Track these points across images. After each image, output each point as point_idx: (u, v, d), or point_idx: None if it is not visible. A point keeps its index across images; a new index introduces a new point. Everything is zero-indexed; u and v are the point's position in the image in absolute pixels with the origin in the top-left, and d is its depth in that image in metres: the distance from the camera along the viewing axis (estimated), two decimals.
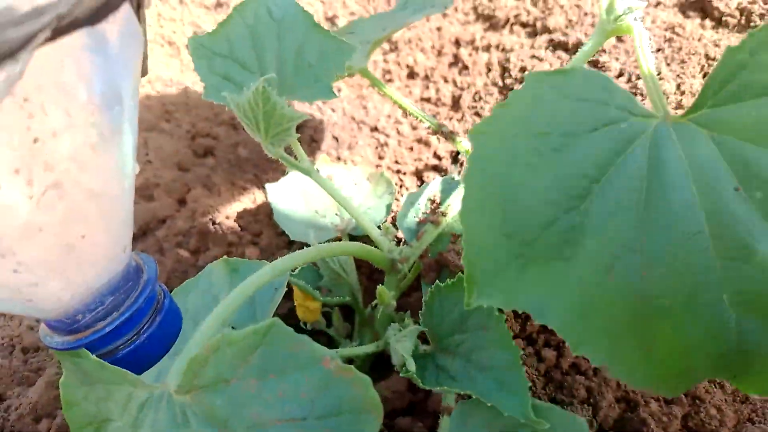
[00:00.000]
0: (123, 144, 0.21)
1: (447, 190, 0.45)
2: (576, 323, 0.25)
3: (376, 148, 0.63)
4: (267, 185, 0.49)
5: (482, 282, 0.25)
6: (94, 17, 0.19)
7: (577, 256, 0.25)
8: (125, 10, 0.21)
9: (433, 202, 0.44)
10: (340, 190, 0.38)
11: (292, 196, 0.47)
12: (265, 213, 0.51)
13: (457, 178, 0.47)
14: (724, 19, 0.70)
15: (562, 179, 0.27)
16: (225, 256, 0.36)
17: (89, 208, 0.20)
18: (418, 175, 0.59)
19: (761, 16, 0.69)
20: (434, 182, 0.45)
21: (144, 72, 0.27)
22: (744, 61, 0.27)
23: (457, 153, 0.59)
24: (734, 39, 0.67)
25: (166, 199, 0.56)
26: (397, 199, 0.53)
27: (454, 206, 0.41)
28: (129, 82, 0.21)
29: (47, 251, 0.19)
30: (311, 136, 0.65)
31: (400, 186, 0.56)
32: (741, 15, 0.70)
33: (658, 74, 0.59)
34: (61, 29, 0.17)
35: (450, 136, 0.45)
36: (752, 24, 0.69)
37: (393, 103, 0.51)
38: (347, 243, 0.40)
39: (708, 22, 0.71)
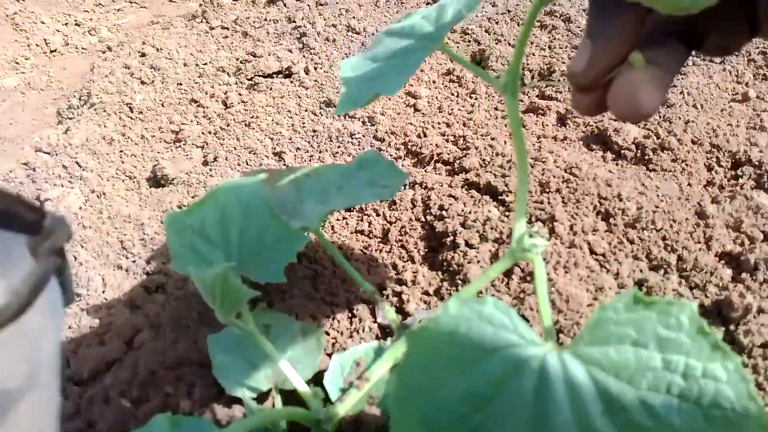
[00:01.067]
0: (40, 411, 0.27)
1: (373, 355, 0.52)
2: None
3: (312, 278, 0.70)
4: (209, 337, 0.55)
5: None
6: (18, 314, 0.25)
7: None
8: (48, 292, 0.28)
9: (358, 365, 0.51)
10: (274, 348, 0.44)
11: (231, 349, 0.53)
12: (202, 363, 0.57)
13: (383, 345, 0.54)
14: (622, 152, 0.80)
15: (471, 387, 0.35)
16: (162, 409, 0.42)
17: None
18: (350, 308, 0.66)
19: (653, 150, 0.79)
20: (361, 347, 0.53)
21: (71, 298, 0.33)
22: (610, 317, 0.35)
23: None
24: (630, 171, 0.77)
25: (115, 342, 0.61)
26: (329, 354, 0.59)
27: (377, 372, 0.48)
28: (48, 350, 0.27)
29: None
30: None
31: (334, 341, 0.62)
32: (637, 149, 0.80)
33: (553, 218, 0.68)
34: None
35: (379, 304, 0.52)
36: (646, 156, 0.79)
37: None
38: (277, 411, 0.46)
39: (609, 155, 0.81)
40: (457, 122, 0.88)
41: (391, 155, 0.84)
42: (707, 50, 0.34)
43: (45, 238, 0.29)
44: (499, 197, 0.72)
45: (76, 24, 1.53)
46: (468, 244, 0.67)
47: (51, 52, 1.41)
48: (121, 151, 0.88)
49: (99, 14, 1.59)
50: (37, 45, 1.42)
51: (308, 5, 1.19)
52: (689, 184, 0.76)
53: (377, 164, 0.61)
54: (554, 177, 0.73)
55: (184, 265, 0.45)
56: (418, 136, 0.86)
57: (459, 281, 0.64)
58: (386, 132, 0.87)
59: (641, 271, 0.65)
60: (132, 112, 0.94)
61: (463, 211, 0.71)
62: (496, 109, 0.91)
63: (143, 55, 1.07)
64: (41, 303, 0.28)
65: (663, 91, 0.31)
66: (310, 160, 0.85)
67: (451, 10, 0.42)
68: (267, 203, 0.46)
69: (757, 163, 0.77)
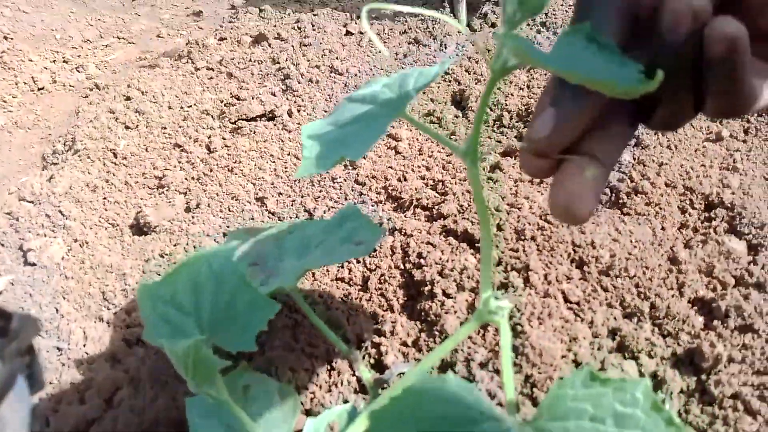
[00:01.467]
0: None
1: (347, 417, 0.52)
2: None
3: (292, 328, 0.71)
4: (187, 400, 0.55)
5: None
6: None
7: None
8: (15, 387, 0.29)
9: (332, 429, 0.52)
10: (252, 411, 0.44)
11: (208, 413, 0.53)
12: (180, 422, 0.57)
13: (360, 403, 0.55)
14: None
15: None
16: None
17: None
18: (329, 360, 0.66)
19: (627, 194, 0.81)
20: (336, 409, 0.53)
21: (40, 386, 0.34)
22: (568, 393, 0.37)
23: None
24: (604, 215, 0.79)
25: (96, 400, 0.62)
26: (307, 409, 0.59)
27: None
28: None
29: None
30: None
31: (312, 396, 0.63)
32: (611, 192, 0.82)
33: (527, 267, 0.69)
34: None
35: (354, 364, 0.53)
36: (620, 200, 0.81)
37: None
38: None
39: None
40: (437, 165, 0.89)
41: (372, 199, 0.85)
42: (653, 124, 0.35)
43: (11, 339, 0.30)
44: (476, 245, 0.73)
45: (63, 61, 1.54)
46: (445, 294, 0.68)
47: (38, 89, 1.42)
48: (105, 198, 0.89)
49: (87, 50, 1.61)
50: (24, 83, 1.43)
51: (292, 45, 1.21)
52: (663, 228, 0.77)
53: (356, 219, 0.62)
54: (529, 224, 0.74)
55: (157, 336, 0.45)
56: (399, 180, 0.87)
57: (436, 332, 0.65)
58: (367, 176, 0.89)
59: (615, 319, 0.66)
60: (116, 158, 0.95)
61: (440, 259, 0.72)
62: None
63: (128, 98, 1.09)
64: (8, 397, 0.28)
65: (598, 197, 0.32)
66: (291, 205, 0.86)
67: (412, 81, 0.44)
68: (239, 271, 0.47)
69: (729, 205, 0.79)
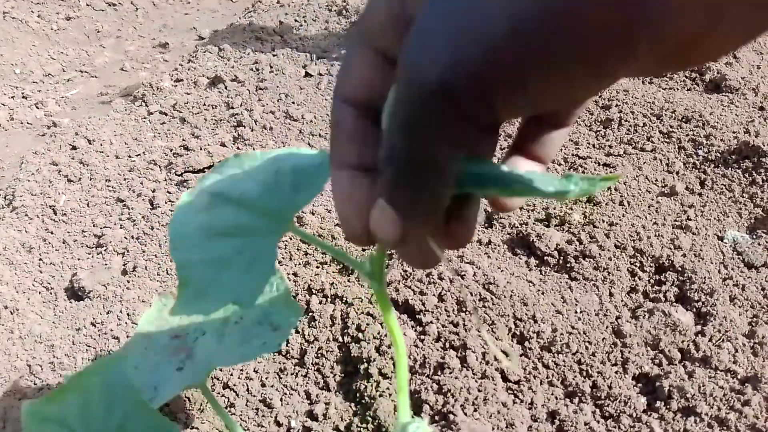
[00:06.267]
0: None
1: None
2: None
3: (226, 407, 0.68)
4: None
5: None
6: None
7: None
8: None
9: None
10: None
11: None
12: None
13: None
14: (545, 258, 0.79)
15: None
16: None
17: None
18: None
19: (575, 257, 0.79)
20: None
21: None
22: None
23: None
24: (551, 281, 0.76)
25: None
26: None
27: None
28: None
29: None
30: None
31: None
32: (559, 255, 0.80)
33: (465, 346, 0.66)
34: None
35: None
36: (568, 264, 0.79)
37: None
38: None
39: (533, 260, 0.80)
40: None
41: (316, 260, 0.82)
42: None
43: None
44: (416, 316, 0.71)
45: (23, 97, 1.51)
46: (381, 373, 0.65)
47: None
48: (40, 260, 0.86)
49: (48, 85, 1.58)
50: None
51: (248, 89, 1.18)
52: (611, 294, 0.75)
53: (277, 289, 0.58)
54: (471, 294, 0.72)
55: None
56: (346, 239, 0.84)
57: (369, 417, 0.62)
58: (314, 234, 0.86)
59: (556, 399, 0.64)
60: (55, 214, 0.92)
61: (379, 333, 0.69)
62: None
63: (74, 148, 1.06)
64: None
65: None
66: None
67: (290, 180, 0.35)
68: (134, 389, 0.44)
69: (680, 268, 0.77)
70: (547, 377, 0.65)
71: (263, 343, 0.53)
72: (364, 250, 0.81)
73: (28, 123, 1.41)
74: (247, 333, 0.55)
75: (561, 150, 0.98)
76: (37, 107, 1.48)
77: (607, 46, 0.18)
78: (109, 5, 1.90)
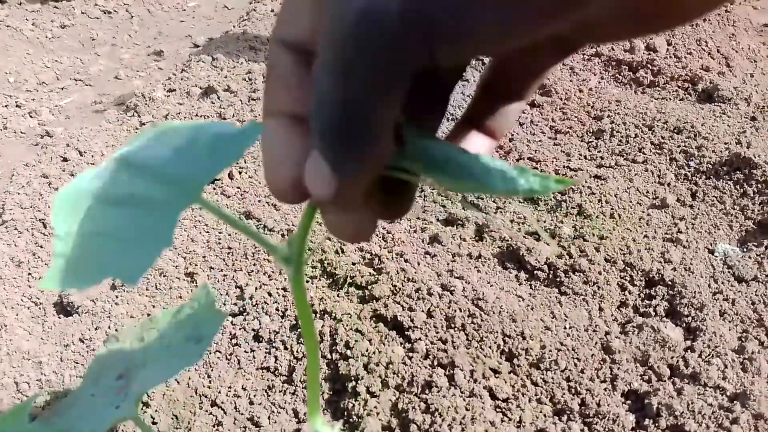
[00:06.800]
0: None
1: None
2: None
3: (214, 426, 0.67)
4: None
5: None
6: None
7: None
8: None
9: None
10: None
11: None
12: None
13: None
14: (535, 272, 0.79)
15: None
16: None
17: None
18: None
19: (565, 272, 0.78)
20: None
21: None
22: None
23: None
24: (540, 296, 0.76)
25: None
26: None
27: None
28: None
29: None
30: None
31: None
32: (549, 269, 0.79)
33: (453, 364, 0.66)
34: None
35: None
36: (558, 278, 0.78)
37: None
38: None
39: (523, 275, 0.80)
40: (376, 236, 0.86)
41: (306, 275, 0.82)
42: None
43: None
44: (405, 333, 0.71)
45: (17, 105, 1.51)
46: (369, 392, 0.65)
47: None
48: (29, 274, 0.86)
49: (42, 94, 1.58)
50: None
51: (241, 99, 1.18)
52: (600, 309, 0.75)
53: (203, 300, 0.53)
54: (460, 310, 0.71)
55: None
56: (336, 253, 0.84)
57: None
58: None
59: (545, 417, 0.64)
60: (45, 228, 0.91)
61: (367, 351, 0.69)
62: (417, 218, 0.90)
63: (65, 160, 1.06)
64: None
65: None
66: (223, 280, 0.83)
67: (206, 152, 0.31)
68: None
69: (669, 282, 0.77)
70: (536, 395, 0.65)
71: (185, 358, 0.49)
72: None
73: (21, 132, 1.41)
74: (173, 350, 0.53)
75: (552, 161, 0.98)
76: (31, 116, 1.47)
77: None
78: (104, 13, 1.90)
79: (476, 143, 0.26)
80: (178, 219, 0.27)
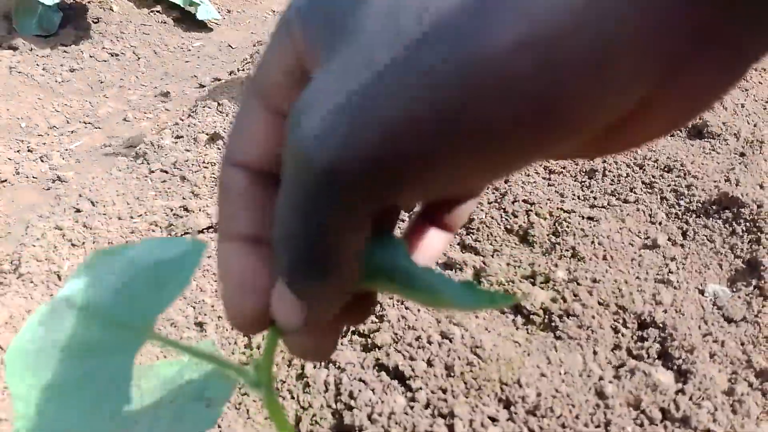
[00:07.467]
0: None
1: None
2: None
3: None
4: None
5: None
6: None
7: None
8: None
9: None
10: None
11: None
12: None
13: None
14: (531, 317, 0.82)
15: None
16: None
17: None
18: None
19: (560, 316, 0.81)
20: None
21: None
22: None
23: None
24: (536, 341, 0.79)
25: None
26: None
27: None
28: None
29: None
30: None
31: None
32: (544, 314, 0.82)
33: (452, 414, 0.69)
34: None
35: None
36: (553, 323, 0.81)
37: None
38: None
39: (519, 319, 0.83)
40: None
41: None
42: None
43: None
44: (407, 382, 0.74)
45: (28, 150, 1.56)
46: None
47: (1, 182, 1.43)
48: None
49: (52, 138, 1.63)
50: None
51: None
52: (594, 352, 0.77)
53: (210, 361, 0.56)
54: (459, 358, 0.74)
55: None
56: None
57: None
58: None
59: None
60: (59, 280, 0.95)
61: (371, 401, 0.72)
62: None
63: (78, 211, 1.10)
64: None
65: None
66: (232, 329, 0.86)
67: (160, 285, 0.28)
68: None
69: (661, 324, 0.79)
70: None
71: (195, 422, 0.52)
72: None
73: (33, 177, 1.46)
74: (180, 411, 0.55)
75: (547, 203, 1.01)
76: (42, 161, 1.52)
77: (516, 139, 0.16)
78: (112, 55, 1.96)
79: (434, 237, 0.27)
80: (131, 366, 0.27)
